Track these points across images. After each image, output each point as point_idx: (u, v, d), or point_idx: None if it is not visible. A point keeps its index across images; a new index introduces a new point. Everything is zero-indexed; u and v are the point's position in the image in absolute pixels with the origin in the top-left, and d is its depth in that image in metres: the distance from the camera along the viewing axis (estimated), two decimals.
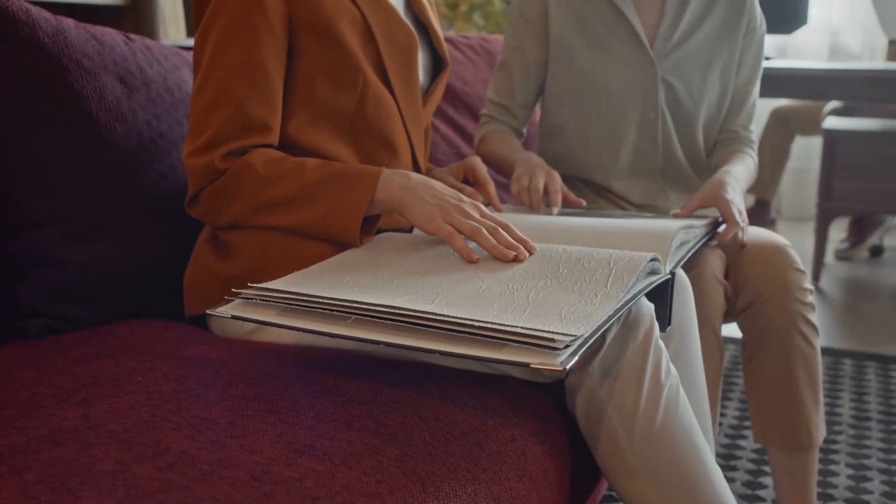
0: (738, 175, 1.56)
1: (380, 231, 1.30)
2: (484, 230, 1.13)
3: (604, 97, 1.66)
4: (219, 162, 1.19)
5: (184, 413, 0.91)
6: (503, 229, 1.16)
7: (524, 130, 1.81)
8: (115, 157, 1.28)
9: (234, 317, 0.98)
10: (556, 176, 1.50)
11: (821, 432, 1.49)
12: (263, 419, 0.91)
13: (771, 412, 1.49)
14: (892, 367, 2.57)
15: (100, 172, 1.26)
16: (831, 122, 3.27)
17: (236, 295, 1.03)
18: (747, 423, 2.16)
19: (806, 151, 4.84)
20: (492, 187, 1.46)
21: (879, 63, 3.88)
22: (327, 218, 1.18)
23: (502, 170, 1.69)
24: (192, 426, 0.88)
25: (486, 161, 1.74)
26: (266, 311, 0.99)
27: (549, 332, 0.87)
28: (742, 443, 2.06)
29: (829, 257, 3.91)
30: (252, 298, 1.01)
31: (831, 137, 3.16)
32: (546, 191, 1.49)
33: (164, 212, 1.34)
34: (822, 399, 1.49)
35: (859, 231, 3.88)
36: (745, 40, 1.70)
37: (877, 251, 3.93)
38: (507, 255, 1.11)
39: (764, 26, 1.72)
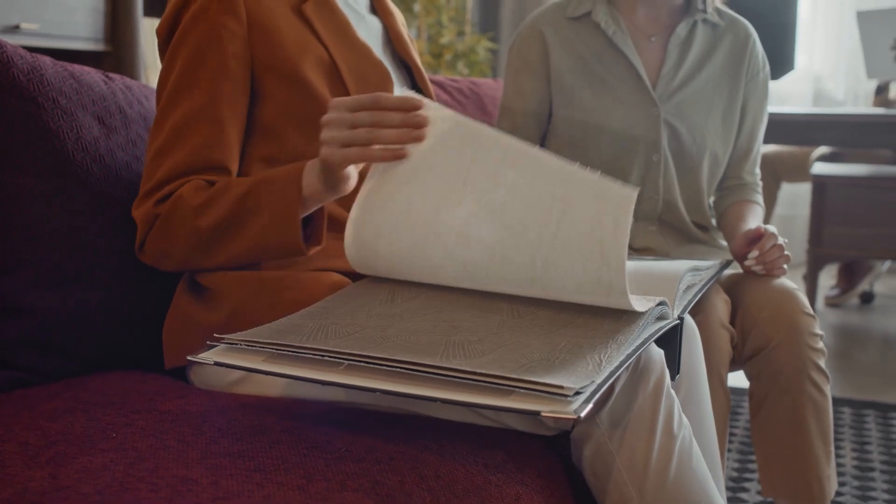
0: None
1: (357, 274, 1.23)
2: (355, 137, 1.00)
3: (605, 139, 1.62)
4: (153, 209, 1.16)
5: (162, 473, 0.84)
6: (377, 108, 1.01)
7: None
8: (92, 200, 1.22)
9: (216, 363, 0.91)
10: None
11: (833, 485, 1.43)
12: (249, 479, 0.84)
13: (780, 464, 1.42)
14: (892, 416, 2.51)
15: (74, 215, 1.20)
16: (820, 168, 3.25)
17: (219, 341, 0.96)
18: (748, 476, 2.09)
19: (792, 198, 4.83)
20: None
21: (865, 108, 3.89)
22: (267, 229, 1.09)
23: None
24: (171, 487, 0.81)
25: None
26: (252, 357, 0.93)
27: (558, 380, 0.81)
28: (744, 496, 1.99)
29: (819, 304, 3.87)
30: (236, 344, 0.94)
31: (820, 183, 3.14)
32: None
33: None
34: (833, 450, 1.43)
35: (849, 278, 3.85)
36: (749, 85, 1.67)
37: (867, 298, 3.89)
38: (387, 154, 1.01)
39: (767, 68, 1.69)
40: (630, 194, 0.95)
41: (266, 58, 1.19)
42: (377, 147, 1.02)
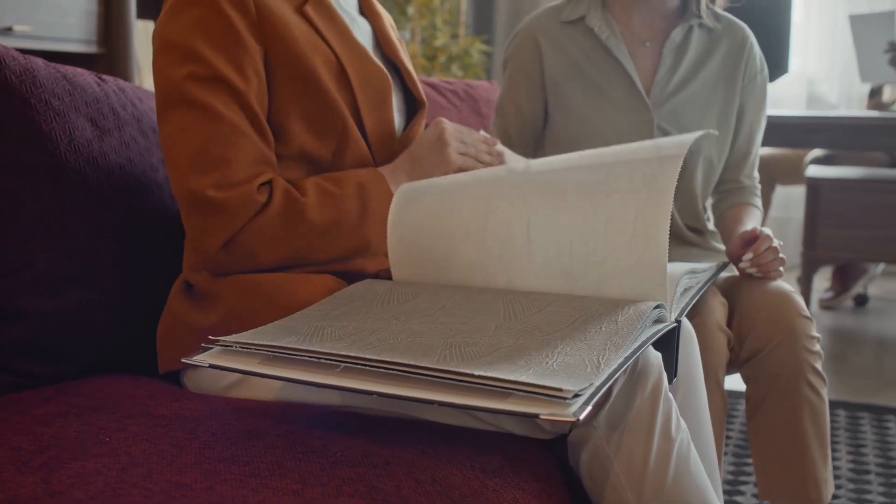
0: None
1: (354, 275, 1.23)
2: (468, 150, 1.31)
3: (598, 145, 1.61)
4: (257, 195, 1.13)
5: (155, 478, 0.83)
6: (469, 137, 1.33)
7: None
8: (85, 203, 1.21)
9: (211, 366, 0.90)
10: None
11: (829, 488, 1.42)
12: (244, 484, 0.83)
13: (778, 467, 1.42)
14: (887, 418, 2.51)
15: (67, 218, 1.18)
16: (814, 171, 3.25)
17: (214, 343, 0.95)
18: (743, 479, 2.09)
19: (786, 201, 4.84)
20: None
21: (860, 111, 3.89)
22: (381, 232, 1.21)
23: None
24: (164, 493, 0.80)
25: None
26: (247, 359, 0.92)
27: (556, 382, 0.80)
28: (739, 499, 1.98)
29: (814, 307, 3.87)
30: (231, 346, 0.93)
31: (815, 186, 3.14)
32: None
33: (136, 261, 1.27)
34: (829, 452, 1.42)
35: (843, 280, 3.84)
36: (746, 89, 1.66)
37: (861, 300, 3.89)
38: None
39: (765, 71, 1.68)
40: (687, 139, 1.11)
41: (277, 55, 1.18)
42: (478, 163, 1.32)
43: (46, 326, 1.16)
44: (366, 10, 1.39)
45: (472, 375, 0.82)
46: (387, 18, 1.42)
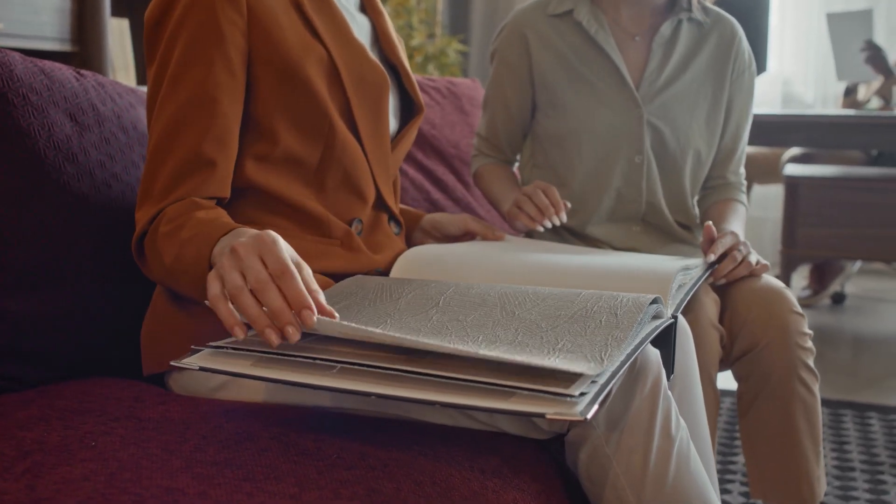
0: (737, 231, 1.51)
1: (345, 275, 1.20)
2: (247, 292, 0.85)
3: (587, 139, 1.60)
4: (149, 222, 1.10)
5: (145, 483, 0.80)
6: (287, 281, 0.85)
7: (516, 158, 1.80)
8: (64, 200, 1.17)
9: (202, 369, 0.87)
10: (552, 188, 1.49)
11: (822, 486, 1.41)
12: (238, 489, 0.80)
13: (771, 466, 1.41)
14: (869, 415, 2.52)
15: (46, 216, 1.15)
16: (792, 170, 3.26)
17: (204, 345, 0.92)
18: (730, 477, 2.08)
19: (763, 201, 4.86)
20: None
21: (836, 110, 3.92)
22: (192, 286, 1.01)
23: (496, 208, 1.68)
24: (156, 498, 0.77)
25: (484, 195, 1.75)
26: (239, 361, 0.89)
27: (560, 378, 0.78)
28: (727, 498, 1.97)
29: None
30: (223, 348, 0.90)
31: (793, 184, 3.15)
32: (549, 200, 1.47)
33: (119, 259, 1.23)
34: (822, 450, 1.41)
35: (820, 278, 3.86)
36: (734, 85, 1.65)
37: (838, 298, 3.91)
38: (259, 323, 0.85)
39: (754, 67, 1.67)
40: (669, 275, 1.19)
41: (264, 52, 1.15)
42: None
43: (25, 328, 1.12)
44: (367, 7, 1.36)
45: (477, 354, 0.80)
46: (387, 17, 1.40)
